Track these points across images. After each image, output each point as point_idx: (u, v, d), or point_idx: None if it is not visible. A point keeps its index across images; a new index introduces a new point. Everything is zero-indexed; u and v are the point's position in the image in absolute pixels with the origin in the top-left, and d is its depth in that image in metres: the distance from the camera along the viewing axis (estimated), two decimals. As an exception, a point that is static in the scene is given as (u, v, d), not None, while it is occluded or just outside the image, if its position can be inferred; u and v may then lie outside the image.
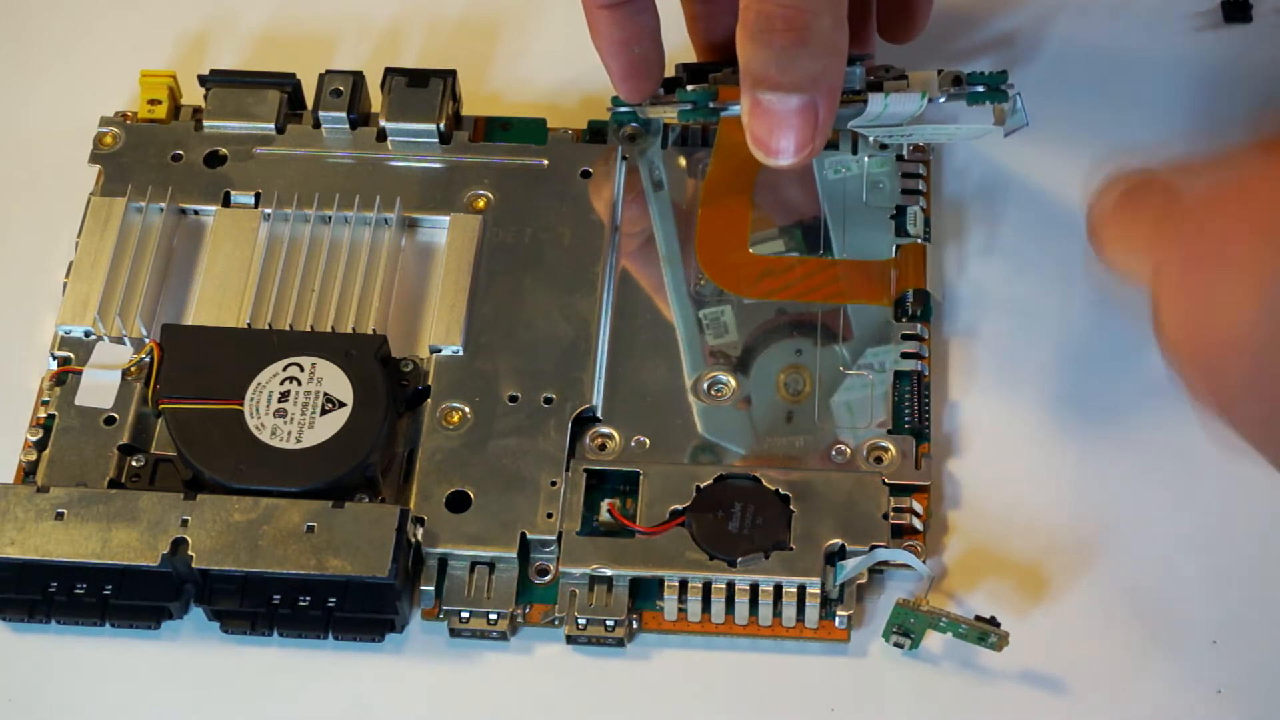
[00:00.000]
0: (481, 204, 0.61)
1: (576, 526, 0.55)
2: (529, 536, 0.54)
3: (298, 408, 0.55)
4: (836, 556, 0.54)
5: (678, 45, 0.61)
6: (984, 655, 0.53)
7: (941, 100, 0.56)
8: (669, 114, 0.59)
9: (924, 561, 0.54)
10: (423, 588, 0.54)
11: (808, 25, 0.52)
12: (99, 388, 0.57)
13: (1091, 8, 0.66)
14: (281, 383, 0.56)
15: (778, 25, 0.52)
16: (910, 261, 0.59)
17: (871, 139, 0.61)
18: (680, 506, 0.54)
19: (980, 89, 0.56)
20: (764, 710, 0.53)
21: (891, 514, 0.54)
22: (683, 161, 0.62)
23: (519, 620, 0.55)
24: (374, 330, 0.58)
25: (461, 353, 0.58)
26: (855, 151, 0.61)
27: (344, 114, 0.62)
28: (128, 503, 0.54)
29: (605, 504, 0.56)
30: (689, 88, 0.58)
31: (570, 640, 0.54)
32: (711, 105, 0.58)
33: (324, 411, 0.55)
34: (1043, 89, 0.62)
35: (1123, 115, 0.63)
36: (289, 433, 0.55)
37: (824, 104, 0.53)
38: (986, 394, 0.58)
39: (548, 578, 0.55)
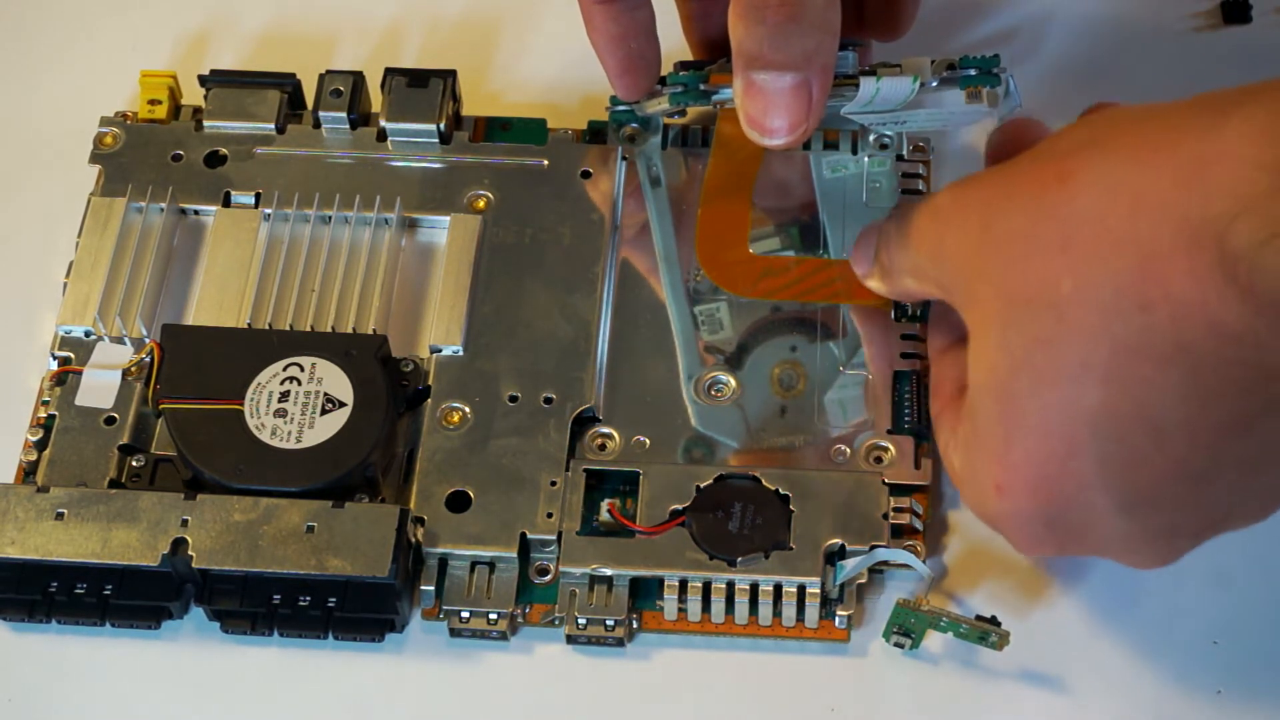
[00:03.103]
0: (481, 204, 0.61)
1: (576, 526, 0.55)
2: (529, 536, 0.54)
3: (298, 408, 0.55)
4: (836, 556, 0.54)
5: (675, 45, 0.61)
6: (984, 655, 0.53)
7: (933, 84, 0.56)
8: (663, 104, 0.59)
9: (924, 561, 0.54)
10: (423, 588, 0.54)
11: (800, 2, 0.52)
12: (99, 388, 0.57)
13: (1090, 8, 0.66)
14: (281, 383, 0.56)
15: (770, 2, 0.52)
16: (910, 261, 0.59)
17: (872, 138, 0.61)
18: (680, 506, 0.54)
19: (972, 72, 0.56)
20: (764, 710, 0.53)
21: (891, 514, 0.54)
22: (682, 161, 0.62)
23: (519, 620, 0.55)
24: (374, 330, 0.58)
25: (461, 353, 0.58)
26: (855, 151, 0.61)
27: (344, 114, 0.62)
28: (128, 503, 0.54)
29: (605, 504, 0.56)
30: (680, 72, 0.58)
31: (570, 640, 0.54)
32: (703, 88, 0.57)
33: (324, 411, 0.55)
34: (1040, 90, 0.62)
35: (1123, 116, 0.63)
36: (289, 433, 0.55)
37: (817, 82, 0.53)
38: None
39: (548, 578, 0.55)
